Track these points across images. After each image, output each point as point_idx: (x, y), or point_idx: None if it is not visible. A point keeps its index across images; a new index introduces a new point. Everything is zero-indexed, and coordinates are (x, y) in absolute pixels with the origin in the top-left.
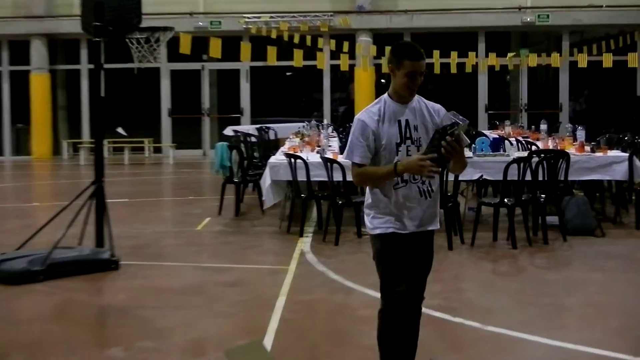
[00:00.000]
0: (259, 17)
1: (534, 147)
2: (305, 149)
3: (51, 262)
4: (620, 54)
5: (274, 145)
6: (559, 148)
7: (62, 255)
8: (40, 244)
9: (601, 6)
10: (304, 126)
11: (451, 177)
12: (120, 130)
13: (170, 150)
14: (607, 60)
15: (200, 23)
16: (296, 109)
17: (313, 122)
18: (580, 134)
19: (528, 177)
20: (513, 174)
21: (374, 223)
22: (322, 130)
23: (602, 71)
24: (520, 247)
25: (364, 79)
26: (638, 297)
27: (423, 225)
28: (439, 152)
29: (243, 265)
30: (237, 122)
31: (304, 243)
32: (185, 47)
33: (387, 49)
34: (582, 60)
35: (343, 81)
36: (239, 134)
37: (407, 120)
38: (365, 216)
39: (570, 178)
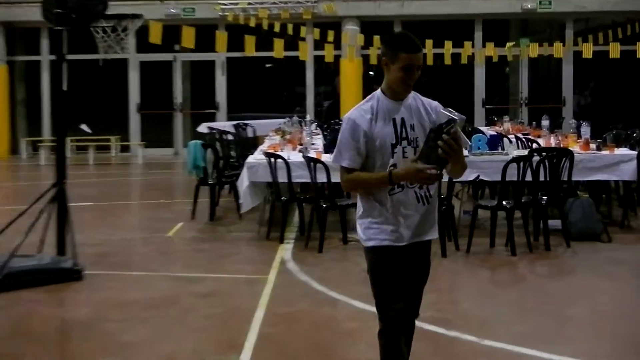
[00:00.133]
0: (236, 4)
1: (534, 145)
2: (286, 148)
3: (8, 272)
4: (628, 43)
5: (253, 143)
6: (562, 146)
7: (20, 264)
8: None
9: None
10: (285, 123)
11: (445, 178)
12: (84, 127)
13: (138, 149)
14: (614, 50)
15: (171, 10)
16: (277, 104)
17: (295, 118)
18: (585, 130)
19: (528, 177)
20: (512, 174)
21: (368, 234)
22: (304, 127)
23: (609, 62)
24: (519, 254)
25: (350, 71)
26: None
27: (420, 235)
28: (435, 153)
29: (218, 275)
30: (212, 118)
31: (285, 250)
32: (155, 37)
33: (376, 38)
34: (587, 51)
35: (328, 73)
36: (214, 131)
37: (402, 119)
38: (358, 226)
39: (574, 178)
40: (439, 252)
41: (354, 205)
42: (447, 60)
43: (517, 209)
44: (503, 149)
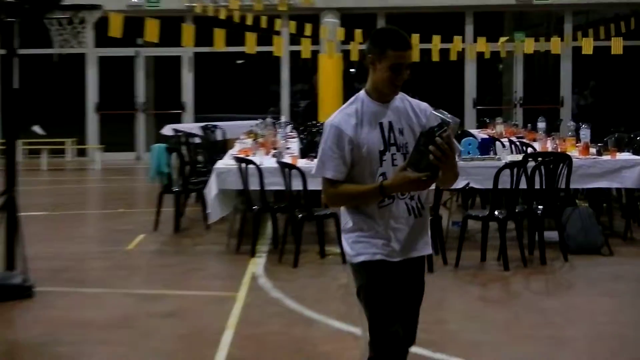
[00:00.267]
0: None
1: (529, 150)
2: (258, 152)
3: None
4: (632, 38)
5: (222, 147)
6: (559, 150)
7: None
8: None
9: None
10: (257, 124)
11: (432, 186)
12: (36, 129)
13: (97, 153)
14: (617, 45)
15: (134, 0)
16: (248, 103)
17: (268, 119)
18: (585, 133)
19: (523, 185)
20: (505, 182)
21: (357, 248)
22: (279, 130)
23: (611, 59)
24: (513, 269)
25: (329, 68)
26: None
27: (412, 251)
28: (426, 160)
29: (183, 292)
30: (177, 119)
31: (257, 265)
32: (115, 30)
33: (357, 32)
34: (588, 46)
35: (305, 71)
36: (179, 133)
37: (390, 123)
38: (344, 241)
39: (572, 186)
40: (425, 266)
41: (333, 215)
42: (435, 57)
43: (511, 220)
44: (495, 153)
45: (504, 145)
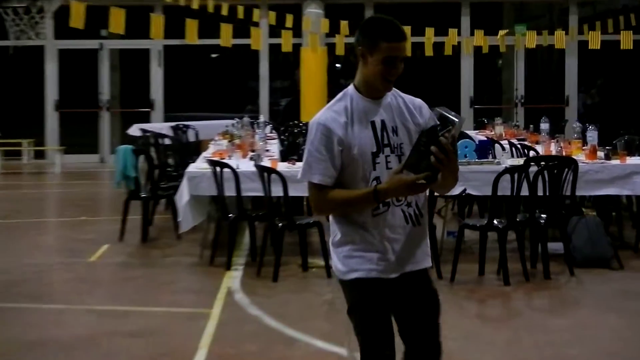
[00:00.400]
0: None
1: (532, 153)
2: (234, 155)
3: None
4: None
5: (194, 149)
6: (564, 154)
7: None
8: None
9: None
10: (233, 124)
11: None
12: None
13: (56, 155)
14: (626, 39)
15: None
16: (224, 101)
17: (245, 119)
18: (592, 135)
19: (524, 191)
20: (505, 188)
21: (350, 264)
22: (257, 130)
23: (620, 54)
24: (514, 284)
25: (312, 63)
26: None
27: (412, 264)
28: (426, 161)
29: (151, 309)
30: (145, 118)
31: (232, 279)
32: (77, 20)
33: (343, 24)
34: (595, 40)
35: (286, 65)
36: (148, 134)
37: (382, 122)
38: (333, 256)
39: (578, 193)
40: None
41: (316, 224)
42: (428, 51)
43: (511, 230)
44: (494, 157)
45: (503, 148)
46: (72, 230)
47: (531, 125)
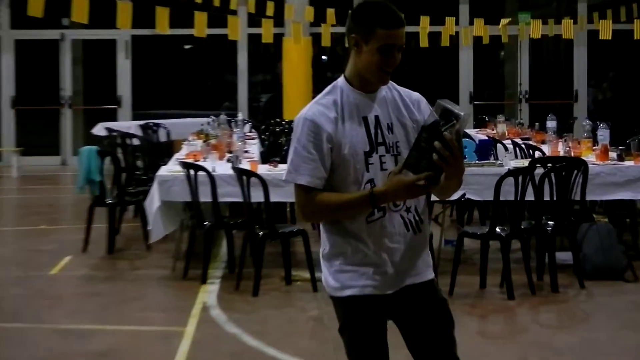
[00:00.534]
0: None
1: (537, 154)
2: (210, 156)
3: None
4: None
5: (166, 150)
6: (572, 154)
7: None
8: None
9: None
10: (209, 123)
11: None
12: None
13: (13, 157)
14: None
15: None
16: (198, 98)
17: (222, 116)
18: (603, 134)
19: (529, 196)
20: (508, 192)
21: (341, 279)
22: (235, 129)
23: (634, 45)
24: (519, 297)
25: (296, 55)
26: None
27: (413, 276)
28: (428, 159)
29: (118, 327)
30: (112, 116)
31: (208, 293)
32: (36, 8)
33: (330, 12)
34: (606, 30)
35: (266, 58)
36: (114, 134)
37: (376, 117)
38: (324, 270)
39: (588, 197)
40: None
41: (300, 233)
42: (423, 42)
43: (515, 238)
44: (496, 158)
45: (506, 149)
46: (31, 240)
47: (537, 123)
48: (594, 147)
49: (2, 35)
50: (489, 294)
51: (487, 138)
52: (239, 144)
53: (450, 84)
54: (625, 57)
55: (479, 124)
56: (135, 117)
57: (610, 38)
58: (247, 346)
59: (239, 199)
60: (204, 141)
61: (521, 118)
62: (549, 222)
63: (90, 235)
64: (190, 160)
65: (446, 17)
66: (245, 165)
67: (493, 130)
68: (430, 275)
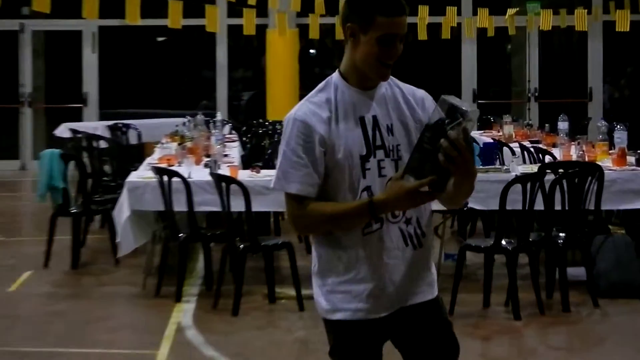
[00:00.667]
0: None
1: (548, 158)
2: (186, 161)
3: None
4: None
5: (137, 154)
6: (586, 159)
7: None
8: None
9: None
10: (184, 123)
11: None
12: None
13: None
14: None
15: None
16: (173, 95)
17: (199, 117)
18: (621, 136)
19: (539, 205)
20: (516, 201)
21: (333, 301)
22: (213, 131)
23: None
24: (526, 317)
25: (281, 49)
26: None
27: (412, 296)
28: (432, 162)
29: (84, 350)
30: (77, 116)
31: (183, 312)
32: None
33: (318, 1)
34: (623, 21)
35: (248, 52)
36: (79, 135)
37: (374, 118)
38: (315, 288)
39: (604, 207)
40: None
41: (286, 245)
42: (422, 35)
43: (523, 252)
44: (502, 163)
45: (513, 152)
46: None
47: (547, 125)
48: (611, 151)
49: None
50: (493, 314)
51: (492, 141)
52: (218, 147)
53: (452, 81)
54: None
55: (484, 125)
56: (102, 117)
57: (628, 30)
58: None
59: (218, 208)
60: (179, 144)
61: (530, 118)
62: (560, 234)
63: (52, 248)
64: (163, 165)
65: (447, 7)
66: (224, 170)
67: (499, 132)
68: (432, 294)
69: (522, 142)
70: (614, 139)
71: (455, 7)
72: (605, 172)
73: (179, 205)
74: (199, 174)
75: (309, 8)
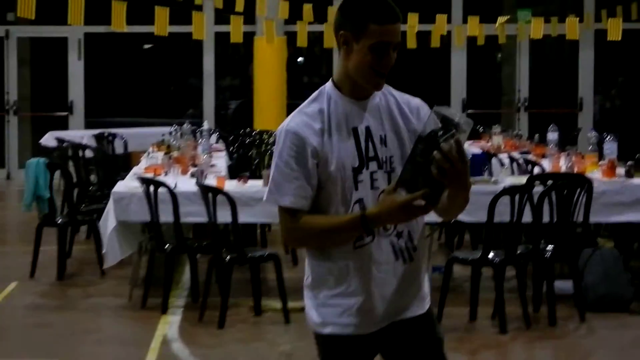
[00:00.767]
0: None
1: (537, 169)
2: (172, 171)
3: None
4: None
5: (123, 163)
6: (576, 171)
7: None
8: None
9: None
10: (171, 132)
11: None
12: None
13: None
14: None
15: None
16: (159, 104)
17: (186, 126)
18: (611, 147)
19: (527, 217)
20: (504, 213)
21: (324, 314)
22: (200, 140)
23: None
24: (512, 331)
25: (269, 56)
26: None
27: (402, 310)
28: (425, 175)
29: None
30: (63, 124)
31: (169, 325)
32: None
33: (307, 7)
34: (615, 29)
35: (236, 59)
36: (65, 144)
37: (367, 129)
38: (307, 301)
39: (593, 219)
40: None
41: (272, 257)
42: (411, 43)
43: (510, 265)
44: (491, 174)
45: (502, 164)
46: None
47: (536, 135)
48: (600, 162)
49: None
50: (479, 327)
51: (480, 151)
52: (205, 157)
53: (441, 90)
54: (636, 61)
55: (472, 135)
56: (88, 126)
57: (619, 39)
58: None
59: (204, 219)
60: (165, 153)
61: (519, 129)
62: (548, 247)
63: (38, 259)
64: (149, 175)
65: (437, 15)
66: (211, 181)
67: (488, 142)
68: (423, 309)
69: (511, 153)
70: (603, 150)
71: (446, 15)
72: (595, 184)
73: (165, 216)
74: (185, 184)
75: (297, 15)
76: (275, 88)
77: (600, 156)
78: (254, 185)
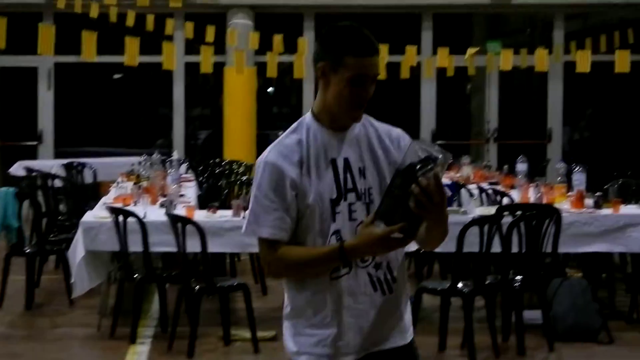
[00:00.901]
0: None
1: (506, 200)
2: (142, 201)
3: None
4: None
5: (92, 193)
6: (544, 201)
7: None
8: None
9: None
10: (140, 162)
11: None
12: None
13: None
14: (622, 60)
15: None
16: (129, 134)
17: (155, 155)
18: (579, 178)
19: (496, 247)
20: (473, 243)
21: (299, 343)
22: (170, 170)
23: (615, 78)
24: None
25: (239, 87)
26: None
27: (379, 342)
28: (403, 208)
29: None
30: (31, 154)
31: (138, 355)
32: None
33: (277, 38)
34: (584, 61)
35: (205, 90)
36: (34, 174)
37: (346, 160)
38: (285, 330)
39: (561, 250)
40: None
41: (241, 287)
42: (381, 74)
43: (479, 295)
44: (460, 205)
45: (471, 194)
46: None
47: (505, 166)
48: (569, 193)
49: None
50: (449, 357)
51: (450, 182)
52: (174, 186)
53: (411, 121)
54: (604, 93)
55: None
56: (57, 155)
57: (588, 71)
58: None
59: (173, 249)
60: (135, 183)
61: (489, 160)
62: (517, 277)
63: (6, 289)
64: (119, 205)
65: (407, 46)
66: (180, 211)
67: (457, 173)
68: (405, 340)
69: (480, 184)
70: (572, 181)
71: (415, 47)
72: (563, 215)
73: (134, 245)
74: (154, 213)
75: (267, 46)
76: (245, 118)
77: (569, 187)
78: (224, 215)
